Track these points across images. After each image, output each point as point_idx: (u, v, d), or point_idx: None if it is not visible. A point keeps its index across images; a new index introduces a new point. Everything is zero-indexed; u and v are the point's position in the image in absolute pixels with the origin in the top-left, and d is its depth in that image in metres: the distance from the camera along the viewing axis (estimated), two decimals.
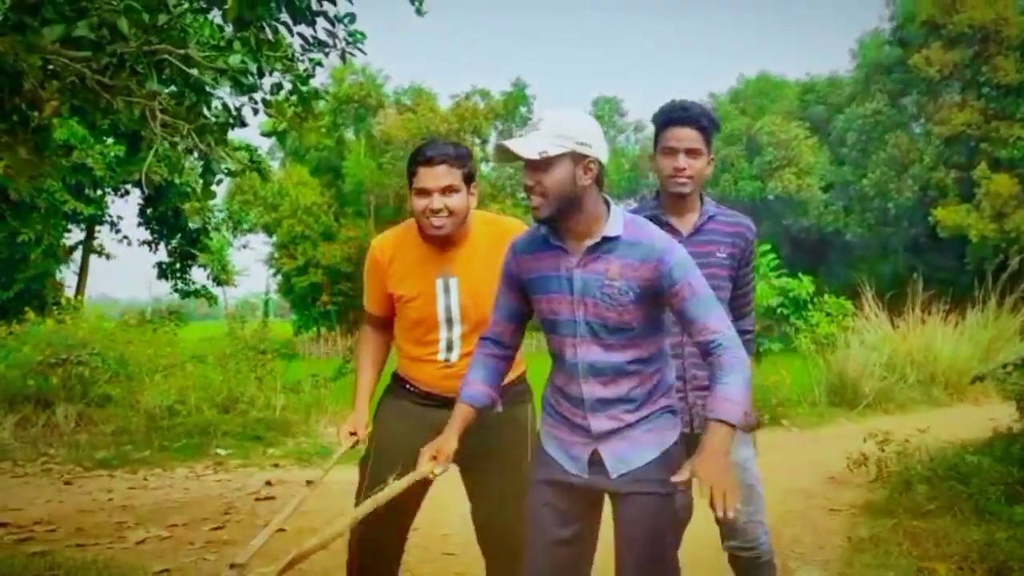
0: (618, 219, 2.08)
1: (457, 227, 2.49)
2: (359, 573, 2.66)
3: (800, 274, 12.32)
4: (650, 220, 2.53)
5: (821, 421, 9.19)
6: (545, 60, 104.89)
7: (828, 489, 5.56)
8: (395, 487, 2.15)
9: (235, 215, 23.42)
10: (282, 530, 4.57)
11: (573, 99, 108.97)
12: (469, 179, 2.50)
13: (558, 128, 2.00)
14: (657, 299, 2.06)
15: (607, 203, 2.08)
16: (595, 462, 2.12)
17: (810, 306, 11.95)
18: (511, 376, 2.50)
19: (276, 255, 37.44)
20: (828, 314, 11.90)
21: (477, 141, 35.09)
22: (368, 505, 2.13)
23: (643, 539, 2.08)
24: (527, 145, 1.99)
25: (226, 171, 5.46)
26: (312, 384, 9.49)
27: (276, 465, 6.66)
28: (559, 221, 2.05)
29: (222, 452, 7.08)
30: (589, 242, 2.06)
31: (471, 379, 2.29)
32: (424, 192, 2.46)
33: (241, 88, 4.54)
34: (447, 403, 2.37)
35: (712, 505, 1.90)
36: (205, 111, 4.63)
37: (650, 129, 2.68)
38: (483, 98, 35.16)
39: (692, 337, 2.07)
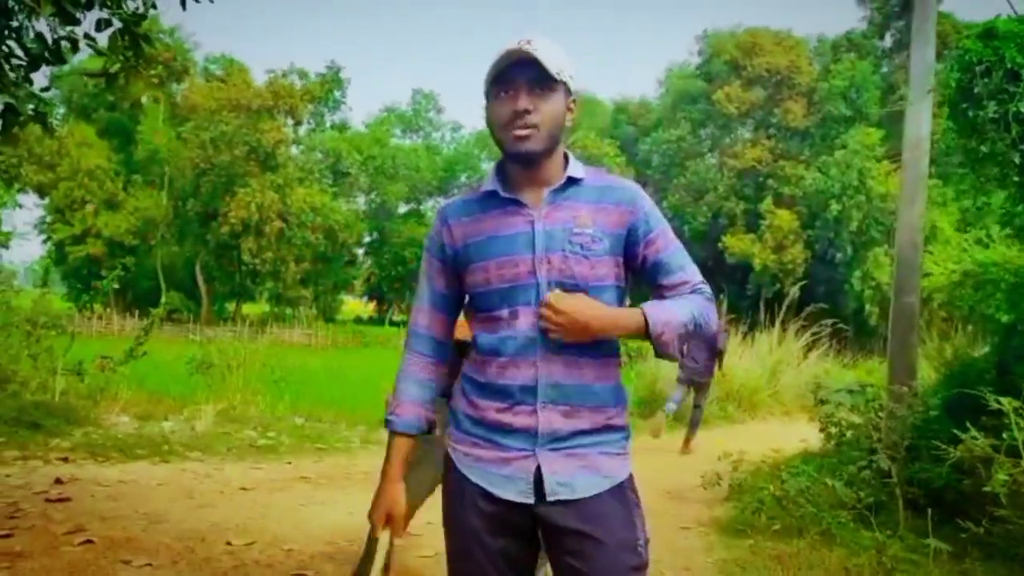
0: (577, 163, 1.79)
1: None
2: None
3: None
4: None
5: (633, 433, 9.34)
6: (365, 47, 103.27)
7: (670, 505, 5.55)
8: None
9: (12, 170, 20.93)
10: (90, 541, 3.91)
11: (392, 89, 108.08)
12: None
13: (556, 53, 1.69)
14: (626, 249, 1.76)
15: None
16: (539, 484, 1.69)
17: None
18: None
19: (49, 220, 34.09)
20: None
21: (291, 122, 33.71)
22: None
23: None
24: (549, 60, 1.66)
25: (32, 113, 4.72)
26: (99, 367, 8.44)
27: (65, 459, 5.73)
28: (540, 161, 1.72)
29: None
30: (552, 188, 1.74)
31: (402, 400, 1.84)
32: None
33: (65, 18, 3.95)
34: None
35: None
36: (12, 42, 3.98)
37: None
38: (301, 78, 33.66)
39: (665, 290, 1.78)
